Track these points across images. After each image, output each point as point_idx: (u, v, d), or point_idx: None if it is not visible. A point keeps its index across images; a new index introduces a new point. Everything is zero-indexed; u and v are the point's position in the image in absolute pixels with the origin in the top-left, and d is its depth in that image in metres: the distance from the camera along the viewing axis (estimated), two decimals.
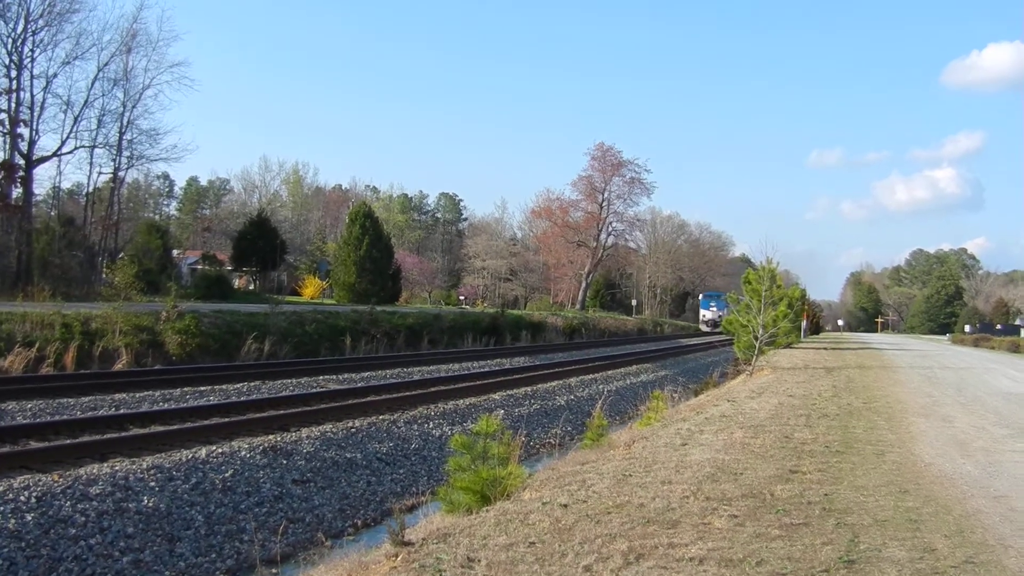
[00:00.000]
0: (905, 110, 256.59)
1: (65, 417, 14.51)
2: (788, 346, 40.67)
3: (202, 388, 18.90)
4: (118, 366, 22.08)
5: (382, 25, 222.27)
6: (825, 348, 47.10)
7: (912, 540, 6.80)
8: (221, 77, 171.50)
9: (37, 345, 20.63)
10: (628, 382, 30.32)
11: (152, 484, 11.10)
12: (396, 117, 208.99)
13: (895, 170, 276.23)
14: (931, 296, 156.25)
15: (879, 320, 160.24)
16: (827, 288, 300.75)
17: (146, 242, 51.48)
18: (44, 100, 41.75)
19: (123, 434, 13.25)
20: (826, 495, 8.36)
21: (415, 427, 17.35)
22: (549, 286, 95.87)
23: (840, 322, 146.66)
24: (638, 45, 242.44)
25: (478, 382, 23.85)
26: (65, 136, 43.02)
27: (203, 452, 12.65)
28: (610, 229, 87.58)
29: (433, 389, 21.66)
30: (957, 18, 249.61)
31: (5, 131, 39.05)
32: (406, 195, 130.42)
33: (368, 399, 18.87)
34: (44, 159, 42.33)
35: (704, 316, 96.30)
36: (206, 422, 14.82)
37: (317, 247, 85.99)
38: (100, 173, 47.82)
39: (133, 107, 45.77)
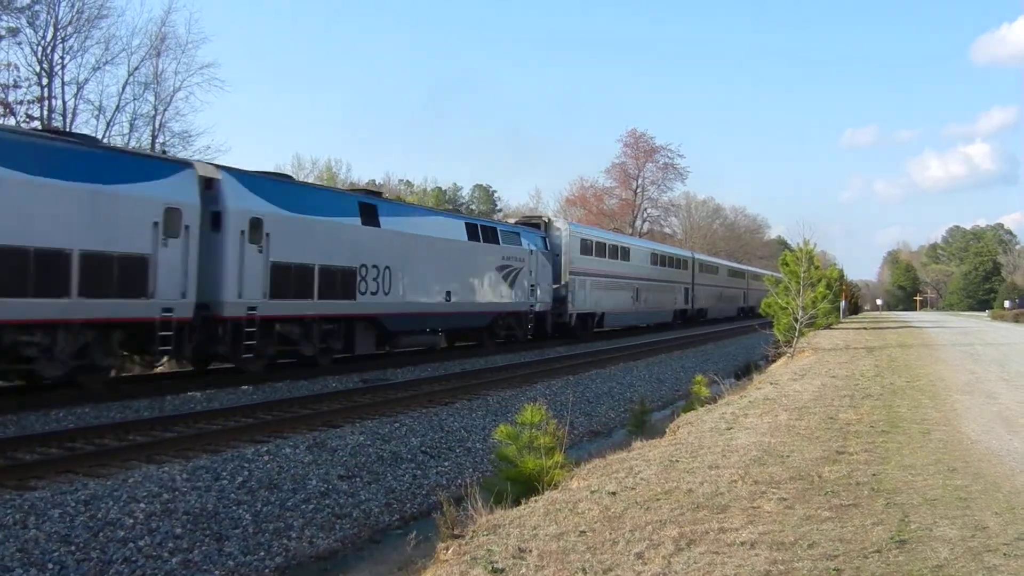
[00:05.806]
0: (937, 87, 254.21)
1: (110, 420, 14.65)
2: (828, 327, 40.43)
3: (245, 387, 19.01)
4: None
5: (407, 18, 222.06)
6: (865, 328, 46.70)
7: (963, 518, 6.75)
8: (251, 76, 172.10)
9: None
10: (669, 367, 30.20)
11: (199, 484, 11.21)
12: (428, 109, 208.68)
13: (928, 147, 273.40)
14: (969, 272, 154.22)
15: (917, 298, 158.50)
16: (864, 267, 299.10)
17: None
18: (76, 107, 42.12)
19: (168, 435, 13.39)
20: (874, 475, 8.31)
21: (458, 419, 17.39)
22: None
23: (879, 301, 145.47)
24: (672, 34, 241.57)
25: (519, 372, 23.87)
26: None
27: (249, 450, 12.76)
28: (645, 215, 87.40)
29: (475, 381, 21.72)
30: None
31: None
32: (440, 188, 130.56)
33: (410, 393, 18.95)
34: None
35: None
36: (250, 420, 14.95)
37: None
38: None
39: (164, 110, 46.06)
